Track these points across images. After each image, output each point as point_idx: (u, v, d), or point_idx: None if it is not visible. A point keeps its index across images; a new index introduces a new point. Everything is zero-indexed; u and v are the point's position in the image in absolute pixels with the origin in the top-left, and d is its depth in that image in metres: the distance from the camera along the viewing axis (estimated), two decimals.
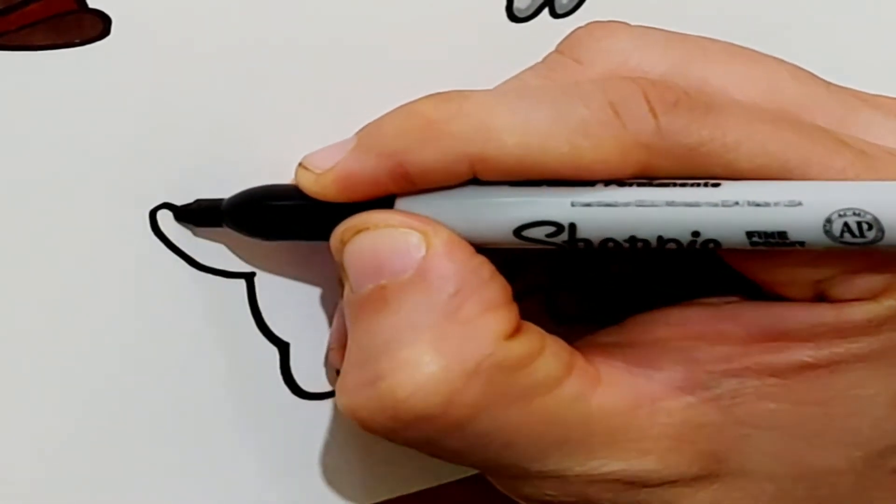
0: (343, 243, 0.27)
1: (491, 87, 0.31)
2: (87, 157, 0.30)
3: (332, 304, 0.32)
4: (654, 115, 0.25)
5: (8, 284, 0.30)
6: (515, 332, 0.26)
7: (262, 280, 0.31)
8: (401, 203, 0.27)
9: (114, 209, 0.30)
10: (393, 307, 0.26)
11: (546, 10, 0.32)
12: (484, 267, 0.27)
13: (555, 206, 0.26)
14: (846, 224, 0.25)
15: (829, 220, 0.25)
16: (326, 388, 0.32)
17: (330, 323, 0.32)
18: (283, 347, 0.32)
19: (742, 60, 0.28)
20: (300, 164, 0.28)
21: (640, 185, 0.26)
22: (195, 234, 0.31)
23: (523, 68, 0.31)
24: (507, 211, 0.26)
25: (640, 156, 0.26)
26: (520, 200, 0.26)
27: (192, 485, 0.31)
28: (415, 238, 0.27)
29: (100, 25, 0.29)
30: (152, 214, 0.30)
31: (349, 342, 0.28)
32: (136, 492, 0.31)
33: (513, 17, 0.32)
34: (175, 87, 0.30)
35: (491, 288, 0.27)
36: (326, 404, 0.32)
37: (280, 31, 0.30)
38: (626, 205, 0.26)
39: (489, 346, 0.26)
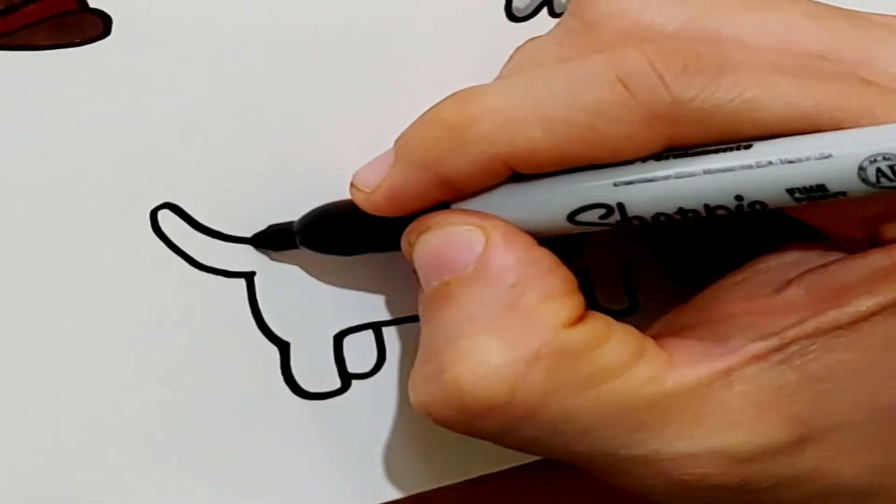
0: (411, 245, 0.28)
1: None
2: (87, 156, 0.30)
3: (332, 303, 0.32)
4: (666, 85, 0.25)
5: (8, 283, 0.30)
6: (578, 321, 0.27)
7: (262, 280, 0.31)
8: (457, 203, 0.28)
9: (114, 209, 0.30)
10: (456, 301, 0.27)
11: (545, 10, 0.32)
12: (545, 258, 0.27)
13: (599, 188, 0.26)
14: (879, 170, 0.24)
15: (861, 168, 0.24)
16: (327, 387, 0.32)
17: (330, 322, 0.32)
18: (284, 347, 0.32)
19: (756, 6, 0.28)
20: (352, 184, 0.29)
21: (676, 156, 0.26)
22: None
23: None
24: (555, 199, 0.27)
25: (663, 128, 0.25)
26: (565, 187, 0.26)
27: (192, 484, 0.31)
28: (473, 233, 0.27)
29: (100, 25, 0.29)
30: (153, 214, 0.30)
31: (420, 341, 0.28)
32: (135, 492, 0.31)
33: (512, 16, 0.32)
34: (176, 86, 0.30)
35: (552, 278, 0.27)
36: (327, 404, 0.32)
37: (280, 30, 0.30)
38: (667, 178, 0.26)
39: (549, 333, 0.26)
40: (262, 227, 0.31)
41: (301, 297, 0.32)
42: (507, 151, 0.26)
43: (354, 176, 0.29)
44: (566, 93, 0.26)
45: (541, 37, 0.29)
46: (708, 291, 0.29)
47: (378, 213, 0.28)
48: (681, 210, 0.26)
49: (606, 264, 0.33)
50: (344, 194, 0.29)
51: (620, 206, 0.26)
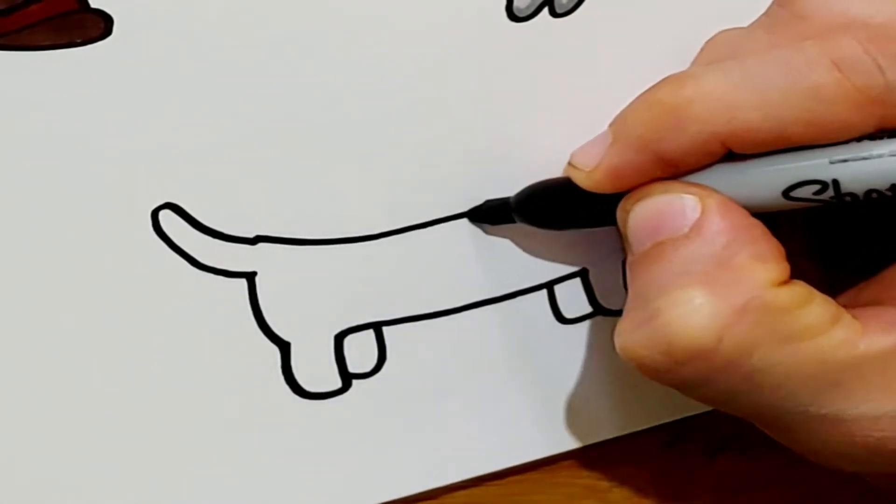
0: (627, 212, 0.30)
1: (492, 87, 0.31)
2: (89, 156, 0.30)
3: (332, 303, 0.32)
4: (881, 70, 0.27)
5: (8, 283, 0.30)
6: (784, 283, 0.28)
7: (263, 280, 0.31)
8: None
9: (115, 209, 0.30)
10: (668, 257, 0.28)
11: (546, 10, 0.32)
12: (757, 227, 0.28)
13: (815, 166, 0.28)
14: None
15: None
16: (327, 387, 0.32)
17: (330, 322, 0.32)
18: (284, 347, 0.32)
19: None
20: (570, 164, 0.31)
21: (890, 136, 0.27)
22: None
23: (524, 68, 0.32)
24: (772, 176, 0.28)
25: (877, 110, 0.27)
26: (782, 165, 0.28)
27: (193, 484, 0.32)
28: (690, 200, 0.28)
29: (102, 25, 0.29)
30: (154, 214, 0.30)
31: (628, 297, 0.29)
32: (135, 492, 0.31)
33: (513, 16, 0.32)
34: (177, 85, 0.30)
35: (763, 243, 0.28)
36: (327, 404, 0.32)
37: (279, 29, 0.30)
38: (881, 157, 0.27)
39: (758, 289, 0.28)
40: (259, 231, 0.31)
41: (301, 297, 0.32)
42: (725, 132, 0.28)
43: (572, 156, 0.30)
44: (783, 77, 0.27)
45: (742, 28, 0.31)
46: (889, 272, 0.30)
47: (597, 191, 0.30)
48: (893, 186, 0.27)
49: (606, 264, 0.34)
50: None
51: (835, 182, 0.27)
